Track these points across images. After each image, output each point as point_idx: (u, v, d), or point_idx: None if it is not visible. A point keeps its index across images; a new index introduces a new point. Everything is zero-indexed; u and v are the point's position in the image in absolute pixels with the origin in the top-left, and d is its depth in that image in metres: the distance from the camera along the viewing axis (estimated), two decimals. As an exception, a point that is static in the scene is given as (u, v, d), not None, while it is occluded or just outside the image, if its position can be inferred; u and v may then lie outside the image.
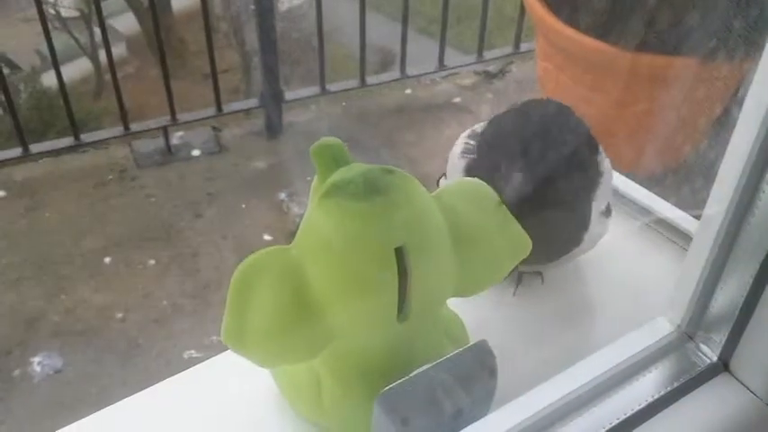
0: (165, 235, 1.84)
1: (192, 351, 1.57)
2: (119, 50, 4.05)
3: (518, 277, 0.67)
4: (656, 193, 0.75)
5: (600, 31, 1.71)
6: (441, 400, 0.48)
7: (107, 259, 1.76)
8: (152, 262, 1.76)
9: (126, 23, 4.34)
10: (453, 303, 0.58)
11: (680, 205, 0.73)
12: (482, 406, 0.50)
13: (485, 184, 0.54)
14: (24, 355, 1.56)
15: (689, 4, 1.56)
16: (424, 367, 0.48)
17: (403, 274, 0.47)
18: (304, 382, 0.54)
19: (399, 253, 0.46)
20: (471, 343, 0.50)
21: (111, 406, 0.57)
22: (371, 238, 0.47)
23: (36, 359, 1.55)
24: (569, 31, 1.75)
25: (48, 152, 2.01)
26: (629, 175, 0.78)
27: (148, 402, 0.58)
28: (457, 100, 2.36)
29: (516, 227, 0.53)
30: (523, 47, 2.37)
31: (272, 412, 0.56)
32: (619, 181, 0.75)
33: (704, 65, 1.53)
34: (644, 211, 0.73)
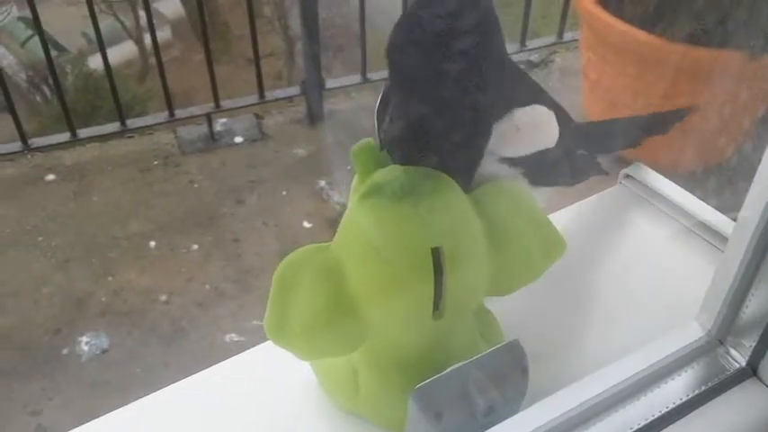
0: (208, 221, 1.87)
1: (233, 334, 1.60)
2: (164, 34, 4.10)
3: None
4: (696, 193, 0.74)
5: (646, 23, 1.69)
6: (473, 396, 0.49)
7: (152, 243, 1.81)
8: (195, 247, 1.80)
9: (171, 7, 4.38)
10: (488, 302, 0.59)
11: (721, 206, 0.72)
12: (513, 403, 0.51)
13: (520, 186, 0.55)
14: (72, 335, 1.61)
15: (739, -2, 1.54)
16: (458, 364, 0.50)
17: (439, 273, 0.48)
18: (342, 374, 0.56)
19: (435, 253, 0.48)
20: (505, 342, 0.51)
21: (154, 393, 0.60)
22: (408, 238, 0.48)
23: (84, 339, 1.60)
24: (615, 22, 1.74)
25: (95, 137, 2.06)
26: (670, 171, 0.77)
27: (191, 390, 0.61)
28: (499, 89, 2.35)
29: (551, 228, 0.54)
30: (567, 36, 2.35)
31: (310, 401, 0.58)
32: (654, 179, 0.75)
33: (752, 60, 1.50)
34: (680, 211, 0.73)
